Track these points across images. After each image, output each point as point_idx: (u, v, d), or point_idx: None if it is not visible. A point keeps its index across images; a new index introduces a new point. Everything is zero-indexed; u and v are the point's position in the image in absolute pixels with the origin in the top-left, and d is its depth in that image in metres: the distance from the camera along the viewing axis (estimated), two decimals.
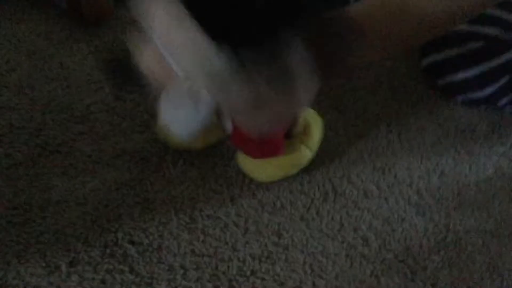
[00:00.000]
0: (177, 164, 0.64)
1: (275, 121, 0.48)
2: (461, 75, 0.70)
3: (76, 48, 0.78)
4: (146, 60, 0.47)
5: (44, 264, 0.52)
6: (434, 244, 0.58)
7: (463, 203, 0.62)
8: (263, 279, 0.53)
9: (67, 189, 0.60)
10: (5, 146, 0.63)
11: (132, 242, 0.55)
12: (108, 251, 0.54)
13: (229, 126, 0.58)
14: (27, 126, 0.66)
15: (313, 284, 0.53)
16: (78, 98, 0.71)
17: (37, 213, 0.57)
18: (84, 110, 0.69)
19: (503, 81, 0.69)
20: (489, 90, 0.70)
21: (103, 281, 0.52)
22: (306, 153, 0.62)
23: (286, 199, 0.61)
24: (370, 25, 0.48)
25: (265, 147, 0.59)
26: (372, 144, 0.68)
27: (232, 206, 0.60)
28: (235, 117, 0.50)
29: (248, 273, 0.54)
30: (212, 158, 0.64)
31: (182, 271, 0.53)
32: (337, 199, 0.61)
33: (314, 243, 0.57)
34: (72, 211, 0.57)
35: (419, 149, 0.68)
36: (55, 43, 0.79)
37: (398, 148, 0.68)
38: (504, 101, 0.71)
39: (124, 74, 0.51)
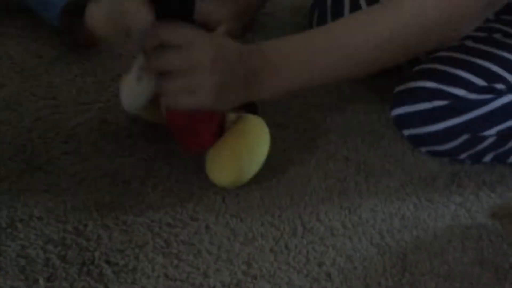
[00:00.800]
0: (157, 189, 0.67)
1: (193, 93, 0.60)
2: (426, 129, 0.76)
3: (65, 68, 0.81)
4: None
5: (23, 277, 0.54)
6: (391, 283, 0.62)
7: (420, 247, 0.66)
8: None
9: (49, 206, 0.62)
10: None
11: (108, 262, 0.58)
12: (85, 269, 0.57)
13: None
14: (13, 142, 0.69)
15: None
16: (64, 118, 0.74)
17: (18, 228, 0.59)
18: (70, 130, 0.72)
19: (463, 138, 0.75)
20: (450, 145, 0.76)
21: None
22: (249, 117, 0.68)
23: (257, 231, 0.64)
24: None
25: (195, 137, 0.67)
26: (340, 185, 0.73)
27: (206, 234, 0.63)
28: (161, 84, 0.61)
29: None
30: (191, 186, 0.68)
31: None
32: (305, 235, 0.65)
33: (281, 275, 0.60)
34: (52, 228, 0.60)
35: (384, 192, 0.73)
36: (45, 63, 0.82)
37: (365, 190, 0.73)
38: (464, 155, 0.77)
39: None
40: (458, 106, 0.74)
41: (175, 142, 0.71)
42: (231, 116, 0.68)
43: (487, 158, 0.78)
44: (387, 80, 0.83)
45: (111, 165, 0.69)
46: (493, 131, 0.74)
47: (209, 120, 0.67)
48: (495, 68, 0.76)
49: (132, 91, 0.66)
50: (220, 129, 0.68)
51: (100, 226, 0.61)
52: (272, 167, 0.70)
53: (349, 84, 0.91)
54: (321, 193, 0.71)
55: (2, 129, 0.70)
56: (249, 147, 0.68)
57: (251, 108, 0.70)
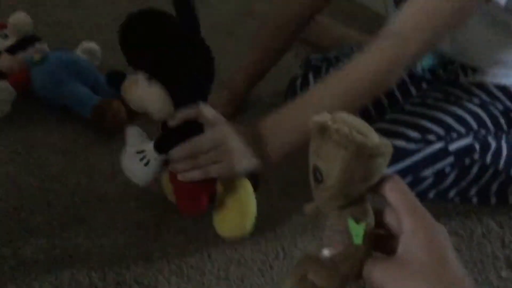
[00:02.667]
0: (170, 231, 0.87)
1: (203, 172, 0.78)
2: None
3: (97, 149, 1.05)
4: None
5: None
6: None
7: None
8: None
9: (90, 247, 0.83)
10: (45, 216, 0.87)
11: (136, 282, 0.78)
12: (119, 287, 0.76)
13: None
14: (60, 204, 0.91)
15: None
16: (99, 185, 0.96)
17: (65, 261, 0.80)
18: (103, 193, 0.94)
19: (408, 179, 0.94)
20: None
21: None
22: (239, 183, 0.83)
23: (248, 256, 0.84)
24: None
25: (195, 202, 0.82)
26: (314, 221, 0.93)
27: (208, 261, 0.83)
28: (175, 165, 0.78)
29: None
30: (197, 227, 0.88)
31: None
32: (285, 258, 0.85)
33: (267, 287, 0.79)
34: (96, 263, 0.80)
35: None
36: (82, 146, 1.05)
37: None
38: None
39: None
40: (400, 154, 0.95)
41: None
42: (219, 186, 0.85)
43: (430, 195, 0.98)
44: None
45: (134, 216, 0.90)
46: (429, 172, 0.95)
47: (207, 189, 0.82)
48: (427, 124, 0.98)
49: (141, 172, 0.79)
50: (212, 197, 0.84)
51: (129, 258, 0.82)
52: (259, 211, 0.91)
53: None
54: (299, 228, 0.91)
55: (52, 195, 0.92)
56: (249, 208, 0.86)
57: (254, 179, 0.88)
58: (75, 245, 0.83)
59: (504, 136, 0.99)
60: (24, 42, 1.17)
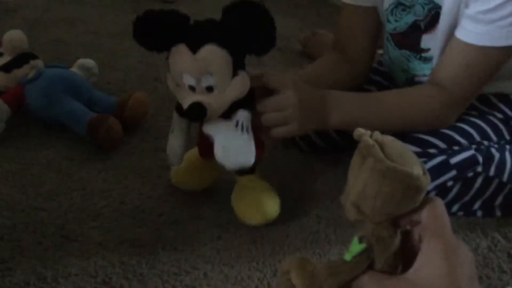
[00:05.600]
0: (166, 249, 0.85)
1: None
2: None
3: (92, 166, 1.03)
4: None
5: None
6: None
7: None
8: None
9: (83, 266, 0.80)
10: (38, 236, 0.85)
11: None
12: None
13: None
14: (53, 223, 0.89)
15: None
16: (92, 203, 0.94)
17: (60, 282, 0.77)
18: (97, 211, 0.92)
19: None
20: None
21: None
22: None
23: (245, 274, 0.81)
24: None
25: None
26: (313, 236, 0.90)
27: (204, 279, 0.80)
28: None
29: None
30: (192, 245, 0.86)
31: None
32: None
33: None
34: (86, 282, 0.78)
35: (349, 240, 0.89)
36: (76, 163, 1.04)
37: (333, 240, 0.90)
38: None
39: None
40: None
41: (176, 214, 0.91)
42: None
43: None
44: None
45: (129, 234, 0.88)
46: (430, 186, 0.92)
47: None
48: (428, 137, 0.96)
49: (249, 143, 0.82)
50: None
51: (122, 278, 0.79)
52: (256, 227, 0.89)
53: (318, 162, 1.11)
54: (298, 243, 0.89)
55: (45, 214, 0.90)
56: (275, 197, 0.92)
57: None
58: (67, 265, 0.80)
59: (508, 147, 0.97)
60: (19, 59, 1.16)
